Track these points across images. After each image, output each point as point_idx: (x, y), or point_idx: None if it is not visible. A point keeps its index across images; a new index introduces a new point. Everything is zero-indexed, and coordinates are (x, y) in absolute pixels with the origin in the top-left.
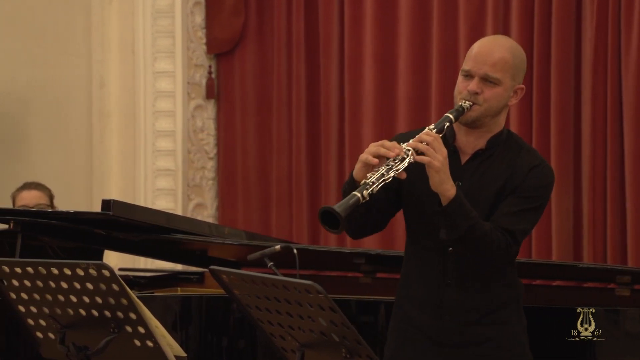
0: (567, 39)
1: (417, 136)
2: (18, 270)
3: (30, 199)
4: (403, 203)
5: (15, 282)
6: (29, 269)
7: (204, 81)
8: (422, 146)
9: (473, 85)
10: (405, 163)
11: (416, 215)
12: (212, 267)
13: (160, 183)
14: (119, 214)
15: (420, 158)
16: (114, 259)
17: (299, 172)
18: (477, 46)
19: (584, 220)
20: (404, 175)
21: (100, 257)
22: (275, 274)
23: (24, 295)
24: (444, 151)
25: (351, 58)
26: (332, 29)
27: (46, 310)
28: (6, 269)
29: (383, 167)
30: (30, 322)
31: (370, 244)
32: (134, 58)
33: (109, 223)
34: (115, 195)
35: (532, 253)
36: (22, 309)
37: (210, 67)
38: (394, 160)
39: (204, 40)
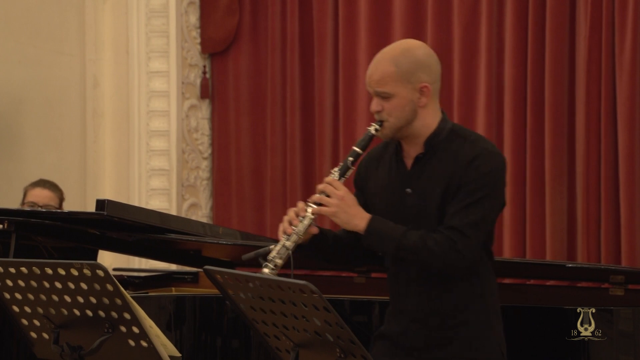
0: (561, 39)
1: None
2: (12, 270)
3: (41, 197)
4: None
5: (9, 282)
6: (23, 269)
7: (198, 81)
8: (317, 197)
9: (372, 105)
10: (307, 222)
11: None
12: (206, 267)
13: (154, 183)
14: (113, 213)
15: (316, 210)
16: (108, 259)
17: (293, 171)
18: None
19: (578, 220)
20: (315, 230)
21: (95, 257)
22: None
23: (18, 295)
24: (339, 192)
25: (345, 57)
26: (326, 28)
27: (40, 310)
28: (0, 268)
29: (284, 238)
30: (24, 322)
31: None
32: (128, 58)
33: (103, 223)
34: (109, 195)
35: (527, 253)
36: (16, 309)
37: (204, 66)
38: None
39: (198, 40)
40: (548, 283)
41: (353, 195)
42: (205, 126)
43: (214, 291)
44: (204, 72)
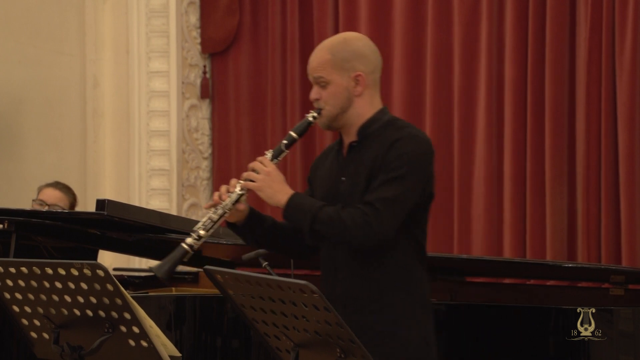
0: (561, 40)
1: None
2: (12, 270)
3: (50, 197)
4: None
5: (9, 282)
6: (23, 269)
7: (198, 81)
8: (246, 174)
9: (312, 92)
10: (234, 197)
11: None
12: (206, 267)
13: (154, 183)
14: (113, 213)
15: (243, 185)
16: (109, 259)
17: (294, 172)
18: None
19: (578, 220)
20: (242, 207)
21: (95, 257)
22: (269, 273)
23: (18, 295)
24: (266, 169)
25: None
26: (326, 28)
27: (40, 310)
28: (0, 268)
29: (211, 211)
30: (25, 322)
31: None
32: (128, 58)
33: (104, 223)
34: (109, 195)
35: (527, 253)
36: (16, 308)
37: (204, 66)
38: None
39: (199, 40)
40: (548, 283)
41: (282, 175)
42: (205, 126)
43: (214, 291)
44: (204, 72)
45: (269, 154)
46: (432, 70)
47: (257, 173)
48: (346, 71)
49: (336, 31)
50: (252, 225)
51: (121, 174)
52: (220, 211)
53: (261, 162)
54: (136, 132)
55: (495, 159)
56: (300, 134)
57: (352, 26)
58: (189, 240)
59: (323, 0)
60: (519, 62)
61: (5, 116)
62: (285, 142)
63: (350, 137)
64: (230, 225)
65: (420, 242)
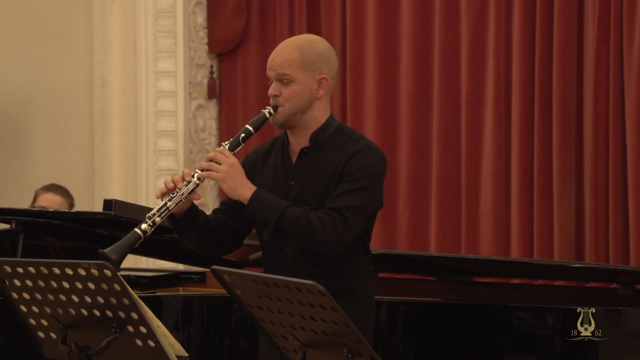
0: (569, 38)
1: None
2: (20, 270)
3: (51, 202)
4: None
5: (17, 282)
6: (31, 269)
7: (205, 81)
8: (205, 164)
9: (271, 88)
10: (191, 186)
11: (258, 224)
12: (213, 267)
13: (161, 183)
14: (121, 213)
15: (202, 174)
16: None
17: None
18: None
19: (586, 220)
20: (196, 197)
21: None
22: None
23: (26, 295)
24: (229, 160)
25: (353, 58)
26: (334, 29)
27: (48, 310)
28: (8, 268)
29: (166, 198)
30: (32, 322)
31: (371, 244)
32: (136, 58)
33: (111, 223)
34: (116, 195)
35: (534, 253)
36: (23, 308)
37: (211, 67)
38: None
39: (206, 40)
40: (556, 283)
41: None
42: (212, 126)
43: (222, 291)
44: (211, 72)
45: (226, 146)
46: (439, 70)
47: (219, 164)
48: (312, 72)
49: (344, 32)
50: (191, 218)
51: (129, 174)
52: (177, 198)
53: (222, 153)
54: (143, 132)
55: (502, 159)
56: (256, 128)
57: (359, 26)
58: (143, 226)
59: (331, 0)
60: (526, 62)
61: (13, 116)
62: (242, 135)
63: (301, 142)
64: (169, 216)
65: (368, 250)
